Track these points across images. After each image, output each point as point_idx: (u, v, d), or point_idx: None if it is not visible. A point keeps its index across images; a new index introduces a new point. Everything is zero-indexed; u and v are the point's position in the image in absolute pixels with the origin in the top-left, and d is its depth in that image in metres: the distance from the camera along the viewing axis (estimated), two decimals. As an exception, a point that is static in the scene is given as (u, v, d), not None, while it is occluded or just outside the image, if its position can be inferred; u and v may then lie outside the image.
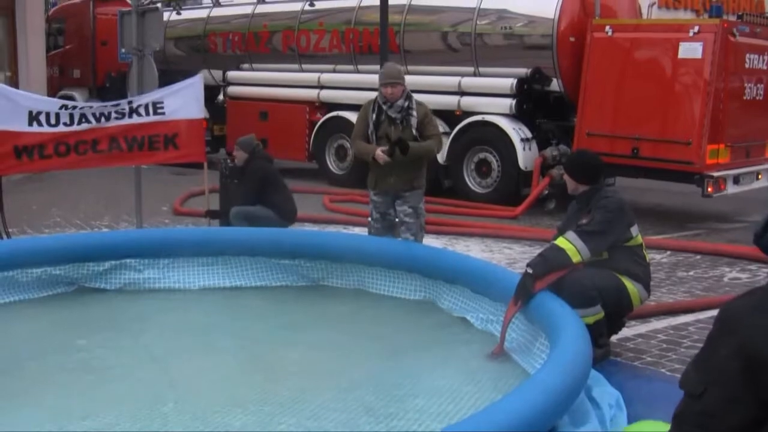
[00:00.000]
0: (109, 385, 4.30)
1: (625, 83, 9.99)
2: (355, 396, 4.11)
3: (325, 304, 5.97)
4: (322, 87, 13.09)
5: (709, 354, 1.50)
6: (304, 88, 13.31)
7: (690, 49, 9.49)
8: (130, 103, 7.39)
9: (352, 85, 12.48)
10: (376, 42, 11.20)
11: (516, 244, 8.55)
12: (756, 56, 10.03)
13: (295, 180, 11.28)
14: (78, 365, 4.61)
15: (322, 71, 13.13)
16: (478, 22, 11.35)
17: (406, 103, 6.05)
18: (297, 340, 5.15)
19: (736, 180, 10.06)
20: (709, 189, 9.59)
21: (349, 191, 11.48)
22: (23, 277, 5.84)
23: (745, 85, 9.97)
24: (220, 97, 14.45)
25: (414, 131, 6.05)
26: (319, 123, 13.05)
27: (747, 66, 9.92)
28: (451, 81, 11.47)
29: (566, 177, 5.03)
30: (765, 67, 10.25)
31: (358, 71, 12.67)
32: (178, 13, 15.47)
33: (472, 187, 11.34)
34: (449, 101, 11.40)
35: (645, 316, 5.73)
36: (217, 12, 15.00)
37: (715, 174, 9.61)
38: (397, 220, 6.29)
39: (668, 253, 8.20)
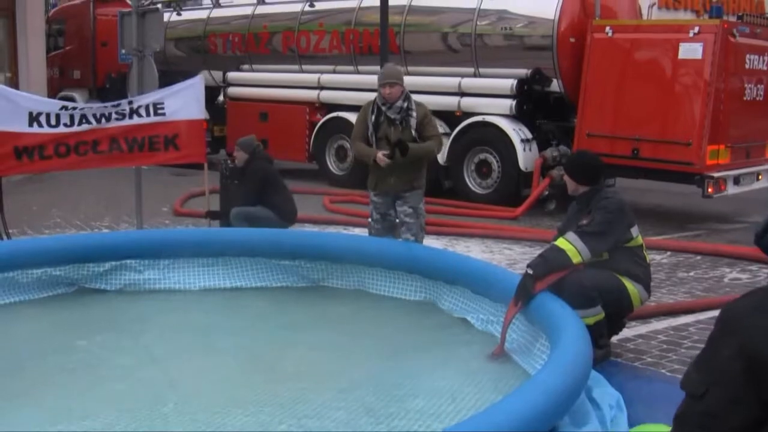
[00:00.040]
0: (109, 385, 4.29)
1: (625, 84, 9.98)
2: (355, 396, 4.10)
3: (326, 305, 5.96)
4: (322, 88, 13.08)
5: (710, 355, 1.50)
6: (304, 89, 13.30)
7: (690, 50, 9.49)
8: (130, 103, 7.39)
9: (352, 86, 12.47)
10: (376, 43, 11.21)
11: (516, 244, 8.54)
12: (756, 57, 10.02)
13: (295, 181, 11.29)
14: (78, 366, 4.61)
15: (322, 72, 13.13)
16: (478, 23, 11.35)
17: (405, 104, 6.05)
18: (297, 341, 5.15)
19: (737, 181, 10.06)
20: (710, 190, 9.58)
21: (349, 192, 11.48)
22: (23, 278, 5.83)
23: (746, 85, 9.96)
24: (221, 98, 14.45)
25: (413, 132, 6.05)
26: (319, 124, 13.05)
27: (747, 67, 9.92)
28: (452, 82, 11.46)
29: (566, 178, 5.03)
30: (765, 68, 10.25)
31: (358, 72, 12.66)
32: (178, 14, 15.47)
33: (473, 188, 11.34)
34: (449, 102, 11.40)
35: (645, 316, 5.73)
36: (217, 13, 14.99)
37: (716, 175, 9.60)
38: (397, 220, 6.29)
39: (668, 253, 8.20)
